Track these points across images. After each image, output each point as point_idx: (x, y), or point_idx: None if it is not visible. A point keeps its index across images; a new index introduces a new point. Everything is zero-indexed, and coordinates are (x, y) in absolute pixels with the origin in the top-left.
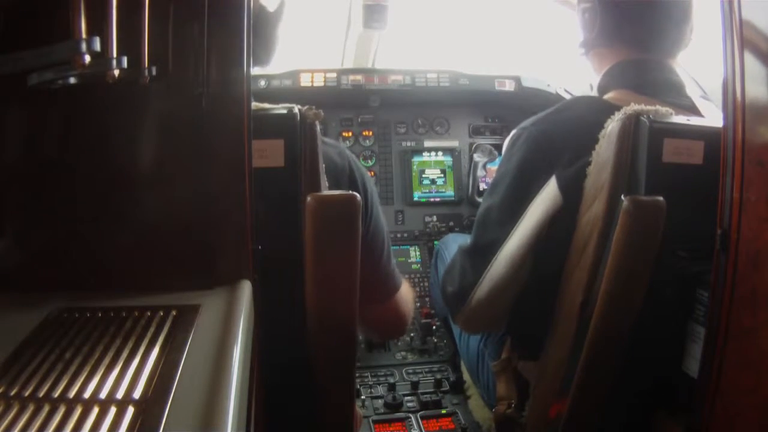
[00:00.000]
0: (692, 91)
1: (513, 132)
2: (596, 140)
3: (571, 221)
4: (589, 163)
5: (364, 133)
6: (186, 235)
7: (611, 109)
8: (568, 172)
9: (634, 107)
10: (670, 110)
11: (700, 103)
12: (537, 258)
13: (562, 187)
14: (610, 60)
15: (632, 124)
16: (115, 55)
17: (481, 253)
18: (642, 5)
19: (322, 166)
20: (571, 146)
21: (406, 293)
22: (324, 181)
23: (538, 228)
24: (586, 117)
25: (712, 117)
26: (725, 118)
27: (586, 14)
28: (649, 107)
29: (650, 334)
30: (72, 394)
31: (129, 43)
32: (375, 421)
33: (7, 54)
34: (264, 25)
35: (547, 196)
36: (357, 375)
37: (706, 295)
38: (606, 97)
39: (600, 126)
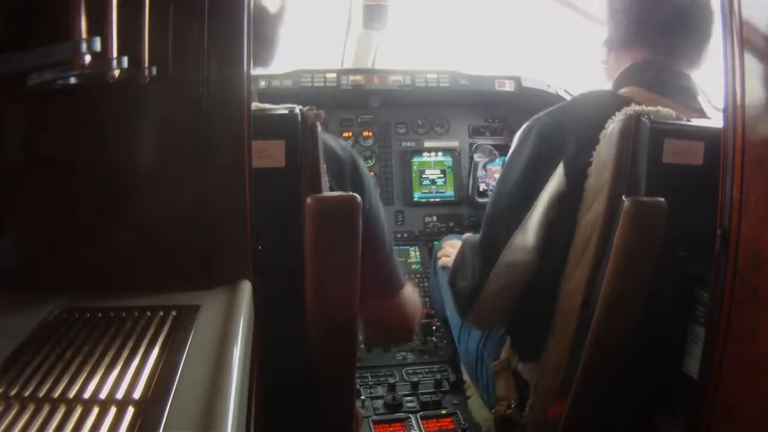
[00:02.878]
0: (704, 98)
1: (526, 124)
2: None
3: (571, 218)
4: (590, 163)
5: (364, 134)
6: (186, 235)
7: (623, 103)
8: (575, 161)
9: (635, 108)
10: (671, 111)
11: (709, 109)
12: (538, 257)
13: (568, 174)
14: (627, 60)
15: (633, 124)
16: (115, 55)
17: (491, 244)
18: (670, 17)
19: (323, 167)
20: (581, 136)
21: (411, 294)
22: (325, 182)
23: (546, 214)
24: (598, 109)
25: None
26: (725, 118)
27: (619, 14)
28: (650, 108)
29: (650, 334)
30: (72, 394)
31: (129, 43)
32: (375, 422)
33: (7, 54)
34: (265, 26)
35: (554, 181)
36: (357, 375)
37: (706, 295)
38: (620, 92)
39: (610, 119)
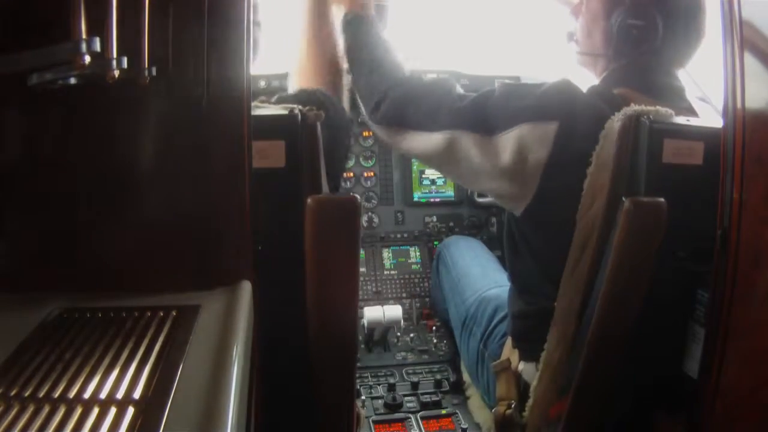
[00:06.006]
0: (691, 94)
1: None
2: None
3: (563, 214)
4: (589, 164)
5: (364, 134)
6: (186, 235)
7: (618, 102)
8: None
9: (635, 108)
10: (670, 111)
11: (697, 104)
12: (537, 259)
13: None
14: (616, 61)
15: (632, 124)
16: (115, 55)
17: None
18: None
19: (323, 167)
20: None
21: None
22: (325, 182)
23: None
24: (597, 105)
25: (707, 119)
26: (725, 117)
27: (634, 30)
28: (649, 107)
29: (650, 334)
30: (72, 394)
31: (129, 43)
32: (375, 422)
33: (7, 54)
34: None
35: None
36: (357, 375)
37: (706, 295)
38: (615, 91)
39: (607, 115)
